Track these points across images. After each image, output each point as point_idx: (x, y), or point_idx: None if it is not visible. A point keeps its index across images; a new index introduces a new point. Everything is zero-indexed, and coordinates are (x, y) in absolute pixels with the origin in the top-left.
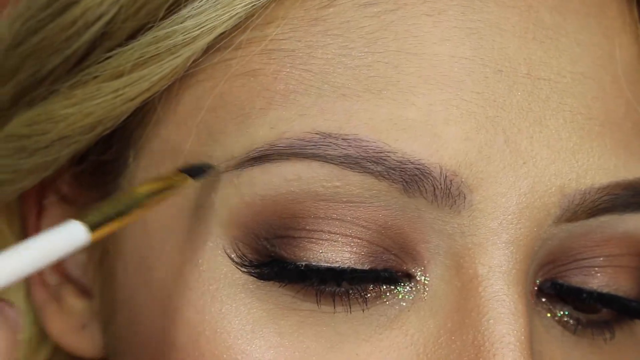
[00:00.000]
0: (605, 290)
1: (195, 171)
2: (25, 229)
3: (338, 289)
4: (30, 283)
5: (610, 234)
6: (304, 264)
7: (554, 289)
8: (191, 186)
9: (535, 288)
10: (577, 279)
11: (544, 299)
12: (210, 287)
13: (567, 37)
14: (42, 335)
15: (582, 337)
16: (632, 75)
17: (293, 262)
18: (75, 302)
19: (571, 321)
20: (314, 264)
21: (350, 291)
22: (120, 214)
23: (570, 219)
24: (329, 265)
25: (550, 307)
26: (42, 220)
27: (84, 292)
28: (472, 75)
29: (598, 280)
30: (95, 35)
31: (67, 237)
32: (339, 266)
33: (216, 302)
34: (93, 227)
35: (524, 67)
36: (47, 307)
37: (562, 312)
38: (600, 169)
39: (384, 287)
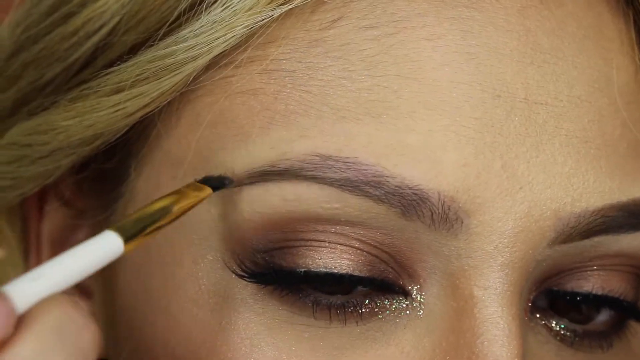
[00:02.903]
0: (599, 292)
1: (215, 183)
2: (26, 231)
3: (334, 301)
4: None
5: (604, 252)
6: (303, 270)
7: (548, 299)
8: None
9: (530, 304)
10: (570, 285)
11: (538, 315)
12: (210, 300)
13: (564, 60)
14: None
15: (579, 349)
16: (628, 96)
17: (292, 269)
18: None
19: (568, 334)
20: (313, 269)
21: (346, 304)
22: (150, 225)
23: (564, 241)
24: (327, 270)
25: (545, 321)
26: (43, 224)
27: (85, 292)
28: (470, 101)
29: (591, 284)
30: (95, 45)
31: (104, 248)
32: (337, 272)
33: (216, 316)
34: (127, 239)
35: (521, 91)
36: None
37: (558, 326)
38: (595, 192)
39: (379, 302)
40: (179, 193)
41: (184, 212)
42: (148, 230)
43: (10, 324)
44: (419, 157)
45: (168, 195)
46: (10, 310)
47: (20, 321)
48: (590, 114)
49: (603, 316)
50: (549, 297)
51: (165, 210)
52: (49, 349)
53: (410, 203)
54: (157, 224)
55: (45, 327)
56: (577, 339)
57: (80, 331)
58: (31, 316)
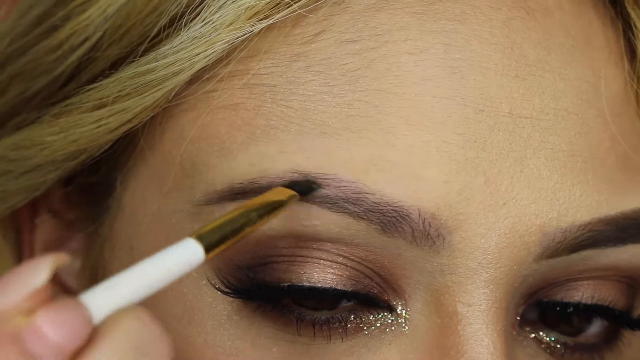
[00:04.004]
0: (589, 301)
1: (304, 188)
2: (19, 242)
3: (319, 317)
4: None
5: (593, 266)
6: (286, 285)
7: (538, 311)
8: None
9: (518, 318)
10: (560, 295)
11: (527, 328)
12: (195, 316)
13: (551, 72)
14: None
15: None
16: (617, 108)
17: (276, 284)
18: None
19: (558, 346)
20: (296, 284)
21: (331, 319)
22: (234, 233)
23: (551, 256)
24: (311, 284)
25: (535, 334)
26: (35, 234)
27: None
28: (452, 116)
29: (581, 293)
30: (80, 59)
31: (185, 257)
32: (321, 286)
33: (201, 332)
34: (208, 247)
35: (505, 105)
36: None
37: (548, 338)
38: (582, 206)
39: (365, 318)
40: (262, 199)
41: (268, 219)
42: (230, 238)
43: (86, 332)
44: (398, 173)
45: (251, 201)
46: (87, 318)
47: (96, 331)
48: (577, 126)
49: (594, 328)
50: (539, 309)
51: (249, 217)
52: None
53: (390, 220)
54: (241, 232)
55: (122, 337)
56: (567, 351)
57: (158, 343)
58: (108, 326)
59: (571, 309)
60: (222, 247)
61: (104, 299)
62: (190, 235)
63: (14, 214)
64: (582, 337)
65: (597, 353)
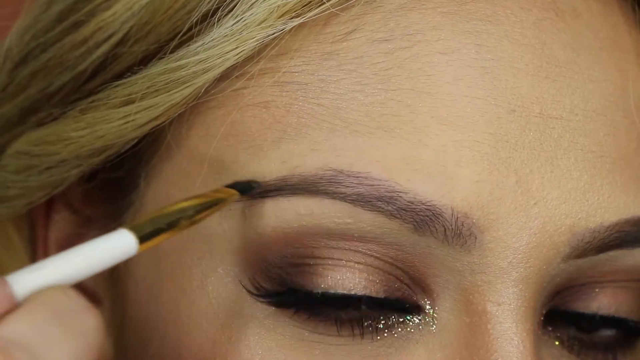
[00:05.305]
0: (605, 312)
1: (243, 187)
2: (34, 238)
3: (351, 315)
4: None
5: (619, 267)
6: (320, 291)
7: (558, 315)
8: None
9: (542, 318)
10: (578, 303)
11: (550, 327)
12: (219, 314)
13: (580, 73)
14: None
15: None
16: None
17: (310, 289)
18: None
19: (576, 343)
20: (331, 291)
21: (364, 319)
22: (169, 227)
23: (579, 256)
24: (345, 292)
25: (558, 333)
26: (50, 231)
27: (93, 299)
28: (485, 116)
29: (598, 302)
30: (105, 55)
31: (117, 246)
32: (355, 294)
33: (226, 330)
34: (142, 239)
35: (536, 106)
36: None
37: (567, 336)
38: (610, 207)
39: (393, 318)
40: (201, 196)
41: (205, 216)
42: (165, 231)
43: (5, 303)
44: (432, 172)
45: (190, 197)
46: (7, 291)
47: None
48: (605, 127)
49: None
50: (559, 314)
51: (185, 212)
52: (46, 327)
53: (422, 219)
54: (176, 226)
55: (43, 304)
56: (583, 348)
57: (82, 314)
58: (29, 298)
59: (586, 321)
60: (157, 239)
61: (29, 279)
62: (124, 225)
63: (29, 210)
64: (597, 335)
65: (611, 353)
